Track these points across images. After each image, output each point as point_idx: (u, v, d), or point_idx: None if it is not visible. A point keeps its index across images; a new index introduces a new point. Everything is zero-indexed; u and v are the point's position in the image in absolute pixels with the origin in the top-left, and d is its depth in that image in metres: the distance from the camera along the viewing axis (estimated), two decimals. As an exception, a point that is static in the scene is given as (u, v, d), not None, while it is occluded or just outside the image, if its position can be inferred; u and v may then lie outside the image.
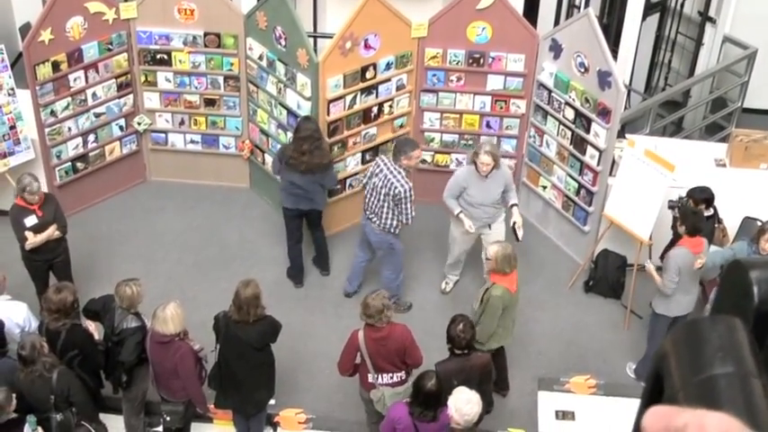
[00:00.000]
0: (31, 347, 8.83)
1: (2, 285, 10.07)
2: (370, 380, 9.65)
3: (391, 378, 9.61)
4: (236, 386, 9.72)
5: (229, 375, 9.66)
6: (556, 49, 11.70)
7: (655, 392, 1.92)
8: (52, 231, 10.70)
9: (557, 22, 14.68)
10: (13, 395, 8.60)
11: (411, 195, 10.86)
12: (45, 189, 11.34)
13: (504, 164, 11.19)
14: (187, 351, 9.29)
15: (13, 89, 12.11)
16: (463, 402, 8.17)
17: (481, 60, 12.13)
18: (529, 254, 12.12)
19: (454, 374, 9.03)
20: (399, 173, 10.84)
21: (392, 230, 11.13)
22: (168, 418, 9.66)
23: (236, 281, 11.90)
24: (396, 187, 10.76)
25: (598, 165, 11.62)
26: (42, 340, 8.97)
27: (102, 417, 9.70)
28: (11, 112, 12.16)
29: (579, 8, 14.58)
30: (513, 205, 11.16)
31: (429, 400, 8.46)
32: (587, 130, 11.61)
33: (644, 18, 14.13)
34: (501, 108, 12.44)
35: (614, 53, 12.62)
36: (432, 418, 8.51)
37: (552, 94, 11.94)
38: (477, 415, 8.22)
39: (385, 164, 10.94)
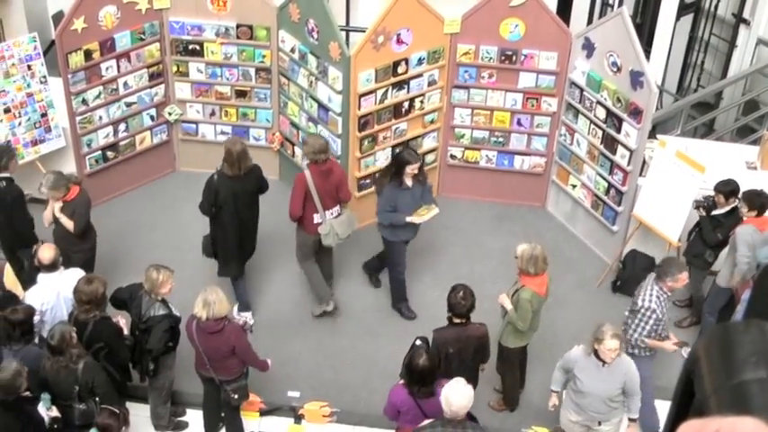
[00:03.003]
0: (60, 338, 8.83)
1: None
2: (317, 220, 10.94)
3: (332, 214, 10.96)
4: (231, 244, 11.02)
5: (225, 233, 10.95)
6: (588, 47, 11.65)
7: (685, 396, 1.90)
8: (65, 221, 10.61)
9: (590, 21, 14.64)
10: (24, 371, 8.59)
11: (648, 317, 9.61)
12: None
13: (624, 356, 9.19)
14: (239, 330, 9.40)
15: (45, 77, 12.18)
16: (454, 394, 8.14)
17: (513, 57, 12.09)
18: (557, 252, 12.07)
19: (450, 343, 9.17)
20: (653, 290, 9.73)
21: (632, 348, 9.83)
22: (236, 396, 9.70)
23: (261, 272, 12.01)
24: (638, 298, 9.79)
25: (628, 165, 11.57)
26: (72, 331, 8.97)
27: (128, 405, 9.72)
28: (42, 100, 12.23)
29: (613, 7, 14.53)
30: (631, 421, 9.46)
31: (424, 377, 8.53)
32: (618, 130, 11.56)
33: (677, 18, 14.08)
34: (532, 106, 12.39)
35: (647, 53, 12.60)
36: (430, 393, 8.56)
37: (584, 92, 11.88)
38: (465, 410, 8.16)
39: (649, 281, 9.95)
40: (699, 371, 1.86)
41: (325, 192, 10.83)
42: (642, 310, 9.61)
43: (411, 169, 10.69)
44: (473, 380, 9.37)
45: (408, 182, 10.78)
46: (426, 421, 8.43)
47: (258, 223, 11.20)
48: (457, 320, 9.31)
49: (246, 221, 11.04)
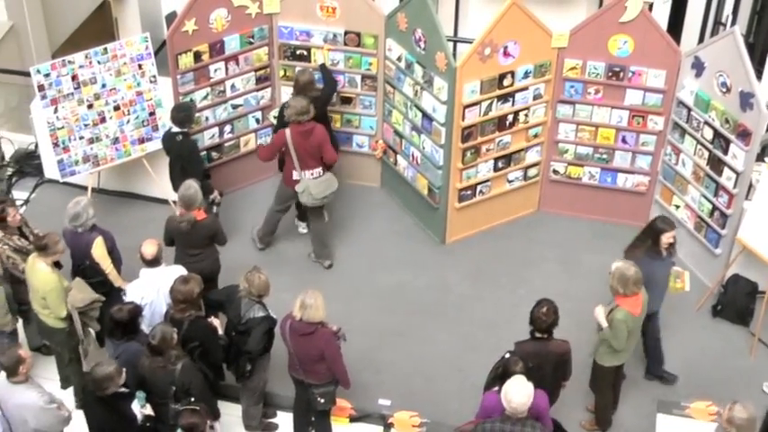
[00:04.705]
0: (161, 338, 8.96)
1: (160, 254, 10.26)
2: (295, 177, 11.71)
3: (312, 174, 11.69)
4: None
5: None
6: (698, 66, 11.47)
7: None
8: None
9: (701, 39, 14.41)
10: (123, 369, 8.76)
11: None
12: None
13: None
14: (331, 335, 9.44)
15: (154, 77, 12.39)
16: (513, 391, 8.28)
17: (621, 74, 11.95)
18: (657, 273, 11.90)
19: (530, 357, 9.10)
20: None
21: None
22: (323, 401, 9.77)
23: (360, 279, 12.04)
24: None
25: (734, 187, 11.36)
26: (174, 332, 9.09)
27: (220, 404, 9.82)
28: (151, 99, 12.44)
29: (725, 26, 14.28)
30: None
31: None
32: (725, 152, 11.35)
33: (793, 39, 13.80)
34: (638, 123, 12.23)
35: (759, 73, 12.35)
36: None
37: (691, 112, 11.70)
38: (525, 407, 8.28)
39: None
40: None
41: (304, 151, 11.57)
42: None
43: (667, 238, 10.26)
44: (553, 396, 9.32)
45: (664, 252, 10.39)
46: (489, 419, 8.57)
47: (329, 140, 11.84)
48: (539, 335, 9.31)
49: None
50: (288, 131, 11.52)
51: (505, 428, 8.32)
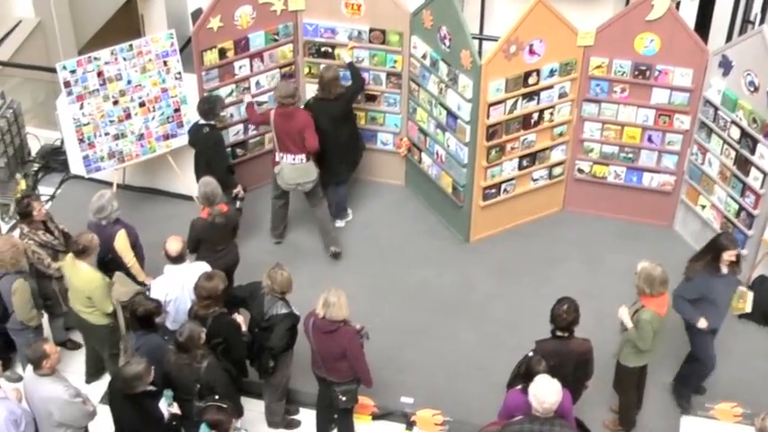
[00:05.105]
0: (189, 337, 9.00)
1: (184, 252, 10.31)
2: (277, 158, 11.99)
3: (293, 159, 11.88)
4: (321, 159, 12.11)
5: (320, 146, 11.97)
6: (725, 65, 11.40)
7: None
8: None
9: (729, 38, 14.32)
10: (152, 368, 8.77)
11: None
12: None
13: None
14: (354, 334, 9.45)
15: (180, 73, 12.41)
16: (542, 390, 8.26)
17: (647, 73, 11.89)
18: (682, 273, 11.82)
19: (551, 355, 9.06)
20: None
21: None
22: (344, 399, 9.78)
23: (383, 277, 12.02)
24: None
25: (761, 188, 11.27)
26: (202, 332, 9.11)
27: (243, 401, 9.84)
28: (176, 96, 12.47)
29: (753, 24, 14.20)
30: None
31: None
32: (752, 152, 11.28)
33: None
34: (664, 123, 12.16)
35: (787, 74, 12.26)
36: None
37: (718, 111, 11.62)
38: (556, 405, 8.26)
39: None
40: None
41: (286, 134, 11.78)
42: None
43: (728, 255, 10.02)
44: (575, 395, 9.28)
45: (724, 269, 10.14)
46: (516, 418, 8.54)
47: (354, 139, 12.44)
48: (559, 333, 9.27)
49: (337, 138, 12.08)
50: (272, 113, 11.84)
51: (534, 428, 8.29)
